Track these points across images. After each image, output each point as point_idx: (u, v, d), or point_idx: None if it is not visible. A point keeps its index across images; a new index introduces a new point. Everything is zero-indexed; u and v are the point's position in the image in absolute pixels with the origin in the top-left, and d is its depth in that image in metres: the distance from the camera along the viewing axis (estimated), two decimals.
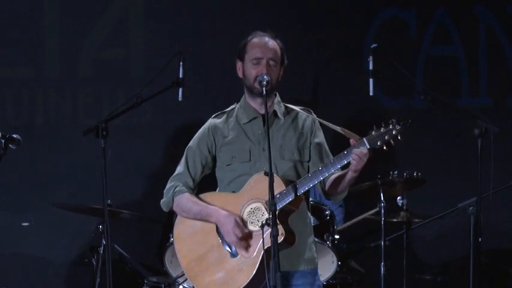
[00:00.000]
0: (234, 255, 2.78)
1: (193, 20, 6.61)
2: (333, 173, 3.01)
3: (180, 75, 4.57)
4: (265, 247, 2.64)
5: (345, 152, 2.98)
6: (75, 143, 6.27)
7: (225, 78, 7.00)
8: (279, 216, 2.66)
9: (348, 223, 5.64)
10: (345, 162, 2.97)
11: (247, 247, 2.79)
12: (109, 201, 4.37)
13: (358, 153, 2.98)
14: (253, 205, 2.88)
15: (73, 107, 6.63)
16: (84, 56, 6.70)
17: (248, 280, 2.67)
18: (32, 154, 6.23)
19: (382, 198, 5.46)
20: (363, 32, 6.71)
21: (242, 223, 2.81)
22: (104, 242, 4.62)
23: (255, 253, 2.72)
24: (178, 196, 3.08)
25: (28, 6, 6.52)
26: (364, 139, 3.01)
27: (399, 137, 3.03)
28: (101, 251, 4.88)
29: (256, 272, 2.65)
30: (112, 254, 3.92)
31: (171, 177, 3.17)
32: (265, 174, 2.74)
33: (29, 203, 6.46)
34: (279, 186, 2.81)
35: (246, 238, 2.76)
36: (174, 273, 4.44)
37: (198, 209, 2.96)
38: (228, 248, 2.79)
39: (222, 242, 2.85)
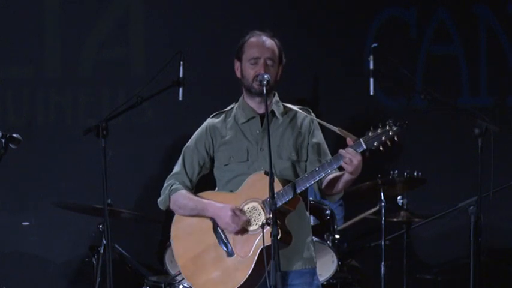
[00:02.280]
0: (230, 254, 2.78)
1: (194, 19, 6.61)
2: (329, 173, 2.99)
3: (180, 75, 4.56)
4: (264, 245, 2.61)
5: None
6: (75, 143, 6.27)
7: (225, 78, 6.99)
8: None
9: (348, 222, 5.64)
10: (342, 162, 2.95)
11: (243, 246, 2.78)
12: (109, 200, 4.36)
13: (350, 152, 2.96)
14: (250, 205, 2.89)
15: (73, 107, 6.62)
16: (84, 56, 6.70)
17: (244, 279, 2.68)
18: (32, 154, 6.23)
19: (382, 198, 5.45)
20: (363, 32, 6.71)
21: (239, 212, 2.78)
22: (104, 242, 4.61)
23: (251, 252, 2.73)
24: (175, 194, 3.08)
25: (28, 6, 6.52)
26: (361, 139, 3.00)
27: (396, 138, 3.01)
28: (101, 251, 4.87)
29: (252, 271, 2.65)
30: (112, 254, 3.92)
31: (168, 177, 3.17)
32: (266, 173, 2.71)
33: (29, 203, 6.46)
34: (276, 186, 2.80)
35: (243, 236, 2.75)
36: (174, 272, 4.43)
37: (193, 204, 2.97)
38: (224, 248, 2.80)
39: (219, 241, 2.85)
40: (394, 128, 2.95)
